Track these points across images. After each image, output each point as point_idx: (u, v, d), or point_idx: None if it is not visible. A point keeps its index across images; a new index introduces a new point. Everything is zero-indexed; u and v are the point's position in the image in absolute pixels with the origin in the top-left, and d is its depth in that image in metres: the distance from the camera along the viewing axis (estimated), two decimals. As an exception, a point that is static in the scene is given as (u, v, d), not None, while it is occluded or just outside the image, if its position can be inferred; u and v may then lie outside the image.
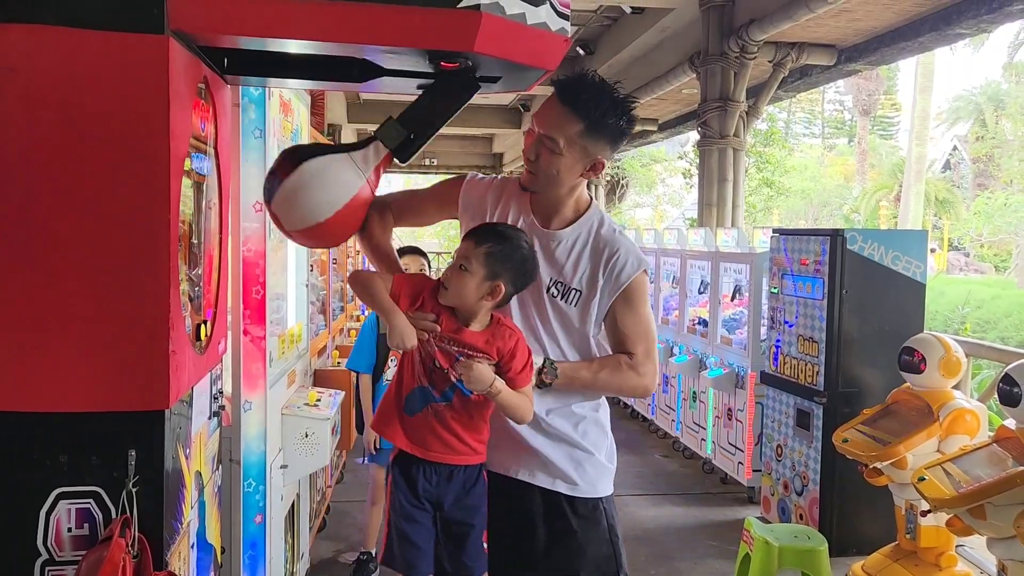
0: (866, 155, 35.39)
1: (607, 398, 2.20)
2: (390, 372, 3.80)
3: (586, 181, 2.07)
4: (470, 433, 1.99)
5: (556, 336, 2.08)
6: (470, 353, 1.93)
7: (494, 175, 2.29)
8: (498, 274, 1.92)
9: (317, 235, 2.01)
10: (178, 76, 1.66)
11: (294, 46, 1.83)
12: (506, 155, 21.33)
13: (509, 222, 2.08)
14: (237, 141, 2.47)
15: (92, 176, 1.60)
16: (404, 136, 1.93)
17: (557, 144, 1.95)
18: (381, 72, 2.01)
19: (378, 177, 1.98)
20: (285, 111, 2.83)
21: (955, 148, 35.91)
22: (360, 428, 3.90)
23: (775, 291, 4.77)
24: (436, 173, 26.22)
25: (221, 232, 2.18)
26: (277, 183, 1.92)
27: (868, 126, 36.75)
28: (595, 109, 1.94)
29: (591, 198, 2.16)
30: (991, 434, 3.42)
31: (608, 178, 17.32)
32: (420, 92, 1.99)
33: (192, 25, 1.64)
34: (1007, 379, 3.20)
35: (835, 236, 4.27)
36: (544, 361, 2.03)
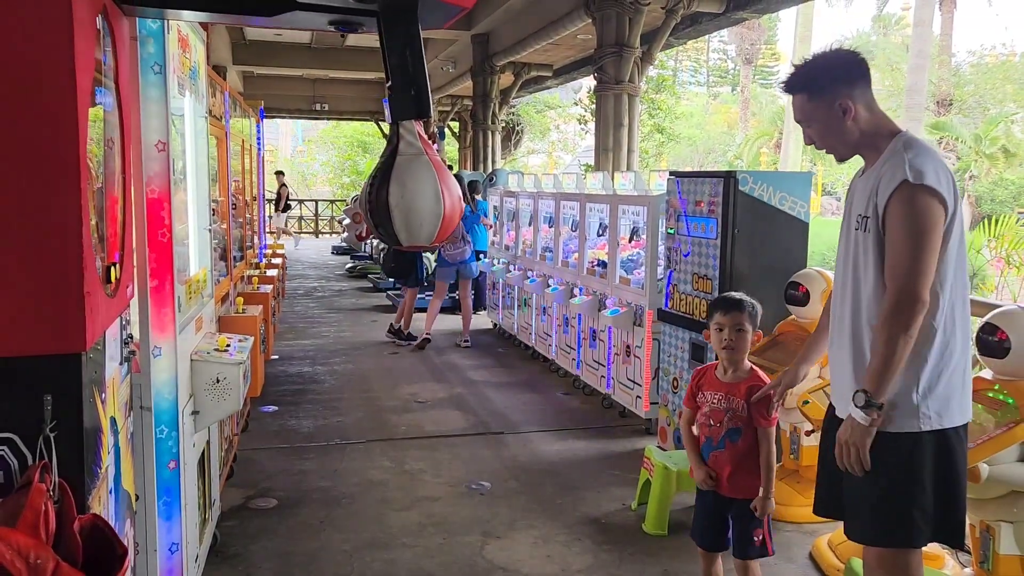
0: (748, 103, 36.58)
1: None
2: None
3: (861, 123, 2.28)
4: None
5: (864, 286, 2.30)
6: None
7: None
8: (756, 324, 2.85)
9: (447, 224, 2.00)
10: (81, 2, 1.58)
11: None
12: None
13: (857, 193, 2.35)
14: (136, 77, 2.36)
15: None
16: (409, 97, 1.95)
17: (805, 122, 2.35)
18: (293, 5, 1.96)
19: (427, 144, 1.98)
20: (184, 47, 2.71)
21: (830, 97, 37.50)
22: None
23: (671, 232, 4.95)
24: (328, 118, 25.40)
25: (124, 171, 2.10)
26: (391, 228, 1.93)
27: (750, 75, 37.94)
28: (800, 78, 2.33)
29: (896, 132, 2.29)
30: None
31: (504, 124, 17.29)
32: (383, 53, 1.98)
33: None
34: (988, 328, 2.93)
35: (728, 178, 4.46)
36: (856, 396, 2.29)
